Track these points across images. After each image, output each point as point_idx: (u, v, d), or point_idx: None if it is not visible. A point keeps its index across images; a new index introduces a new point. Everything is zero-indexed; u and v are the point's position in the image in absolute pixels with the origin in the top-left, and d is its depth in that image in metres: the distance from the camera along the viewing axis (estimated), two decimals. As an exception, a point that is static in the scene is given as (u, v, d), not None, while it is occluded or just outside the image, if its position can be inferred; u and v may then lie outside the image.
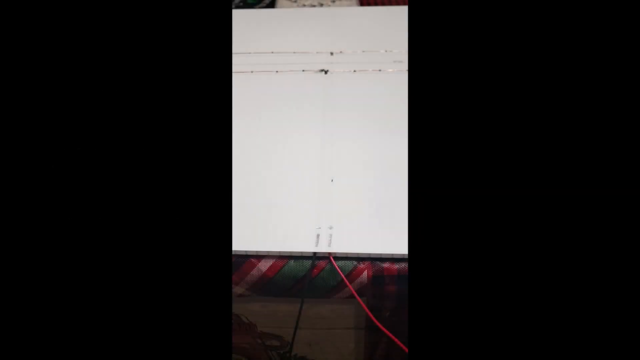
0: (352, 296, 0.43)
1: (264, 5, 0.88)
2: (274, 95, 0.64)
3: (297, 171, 0.51)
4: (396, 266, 0.43)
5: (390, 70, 0.68)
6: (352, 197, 0.48)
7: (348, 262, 0.44)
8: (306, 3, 0.87)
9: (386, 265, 0.43)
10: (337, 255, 0.44)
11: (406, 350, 0.42)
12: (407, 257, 0.43)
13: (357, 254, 0.43)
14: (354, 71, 0.68)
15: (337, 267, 0.43)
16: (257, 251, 0.44)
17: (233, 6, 0.86)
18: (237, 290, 0.45)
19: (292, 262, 0.44)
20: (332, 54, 0.71)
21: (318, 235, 0.44)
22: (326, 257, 0.44)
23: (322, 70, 0.68)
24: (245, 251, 0.44)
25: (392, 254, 0.43)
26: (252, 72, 0.68)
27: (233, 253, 0.44)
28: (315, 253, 0.43)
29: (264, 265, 0.44)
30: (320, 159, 0.53)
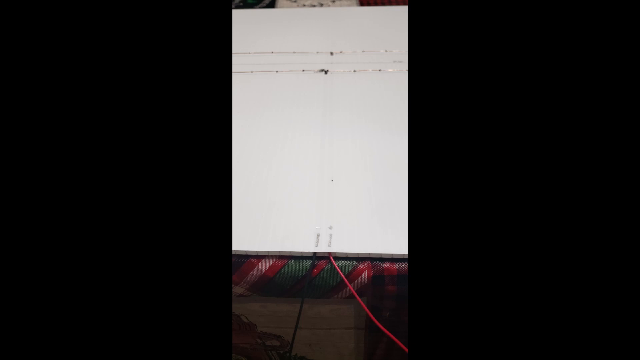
0: (352, 296, 0.43)
1: (264, 5, 0.88)
2: (274, 95, 0.64)
3: (297, 171, 0.52)
4: (396, 266, 0.43)
5: (390, 70, 0.68)
6: (352, 197, 0.48)
7: (348, 262, 0.44)
8: (306, 3, 0.87)
9: (386, 265, 0.43)
10: (337, 255, 0.44)
11: (406, 350, 0.42)
12: (407, 257, 0.43)
13: (357, 254, 0.43)
14: (354, 71, 0.68)
15: (337, 267, 0.43)
16: (257, 251, 0.44)
17: (233, 6, 0.86)
18: (237, 290, 0.45)
19: (292, 262, 0.44)
20: (332, 54, 0.71)
21: (318, 235, 0.44)
22: (326, 257, 0.44)
23: (322, 70, 0.68)
24: (245, 251, 0.44)
25: (392, 254, 0.43)
26: (252, 72, 0.68)
27: (233, 253, 0.44)
28: (315, 253, 0.43)
29: (264, 265, 0.44)
30: (320, 159, 0.53)
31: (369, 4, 0.87)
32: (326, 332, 0.49)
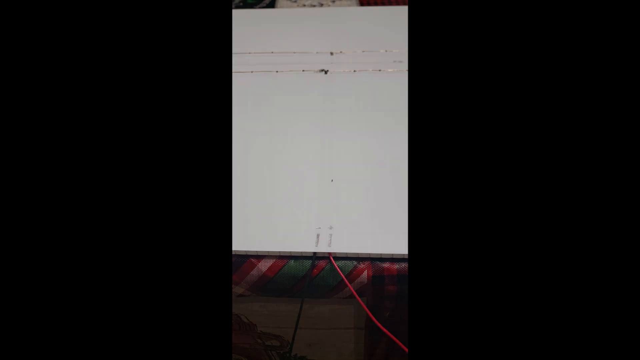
0: (352, 296, 0.43)
1: (264, 5, 0.88)
2: (274, 95, 0.64)
3: (297, 171, 0.52)
4: (396, 266, 0.43)
5: (390, 70, 0.68)
6: (352, 197, 0.48)
7: (348, 262, 0.44)
8: (306, 3, 0.87)
9: (386, 265, 0.43)
10: (337, 255, 0.44)
11: (406, 350, 0.42)
12: (407, 257, 0.43)
13: (357, 254, 0.43)
14: (354, 71, 0.68)
15: (337, 267, 0.43)
16: (257, 251, 0.44)
17: (233, 6, 0.86)
18: (237, 290, 0.45)
19: (292, 262, 0.44)
20: (332, 54, 0.71)
21: (318, 235, 0.44)
22: (326, 257, 0.44)
23: (322, 70, 0.68)
24: (245, 251, 0.44)
25: (392, 254, 0.43)
26: (252, 72, 0.68)
27: (233, 253, 0.44)
28: (315, 253, 0.43)
29: (264, 265, 0.44)
30: (320, 159, 0.53)
31: (369, 4, 0.87)
32: (326, 332, 0.49)
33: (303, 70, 0.68)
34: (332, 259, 0.43)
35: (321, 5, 0.87)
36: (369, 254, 0.43)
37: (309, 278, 0.43)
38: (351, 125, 0.58)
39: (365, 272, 0.43)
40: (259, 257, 0.44)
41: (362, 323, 0.47)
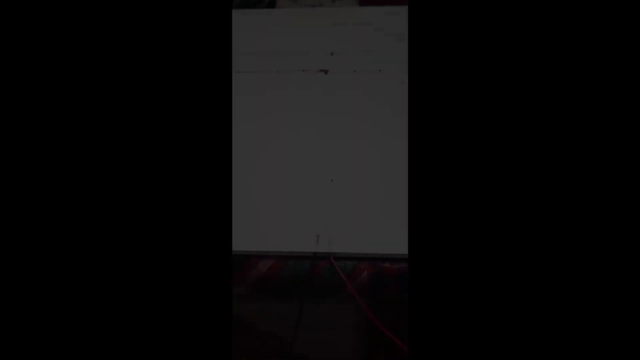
0: (352, 296, 0.43)
1: (264, 5, 0.88)
2: (273, 95, 0.64)
3: (297, 171, 0.52)
4: (396, 266, 0.43)
5: (390, 70, 0.68)
6: (352, 197, 0.48)
7: (348, 262, 0.44)
8: (306, 3, 0.87)
9: (386, 265, 0.43)
10: (337, 255, 0.44)
11: (406, 350, 0.42)
12: (407, 257, 0.43)
13: (357, 254, 0.43)
14: (354, 71, 0.68)
15: (337, 267, 0.43)
16: (257, 251, 0.44)
17: (233, 6, 0.86)
18: (237, 290, 0.45)
19: (292, 262, 0.44)
20: (332, 54, 0.71)
21: (318, 235, 0.44)
22: (326, 257, 0.44)
23: (322, 70, 0.68)
24: (245, 251, 0.44)
25: (392, 254, 0.43)
26: (252, 72, 0.68)
27: (233, 253, 0.44)
28: (315, 253, 0.43)
29: (264, 265, 0.44)
30: (320, 159, 0.53)
31: (369, 4, 0.87)
32: (326, 332, 0.49)
33: (303, 70, 0.68)
34: (332, 259, 0.43)
35: (321, 5, 0.87)
36: (369, 254, 0.43)
37: (309, 278, 0.43)
38: (351, 125, 0.58)
39: (365, 272, 0.43)
40: (259, 257, 0.44)
41: (362, 323, 0.47)
